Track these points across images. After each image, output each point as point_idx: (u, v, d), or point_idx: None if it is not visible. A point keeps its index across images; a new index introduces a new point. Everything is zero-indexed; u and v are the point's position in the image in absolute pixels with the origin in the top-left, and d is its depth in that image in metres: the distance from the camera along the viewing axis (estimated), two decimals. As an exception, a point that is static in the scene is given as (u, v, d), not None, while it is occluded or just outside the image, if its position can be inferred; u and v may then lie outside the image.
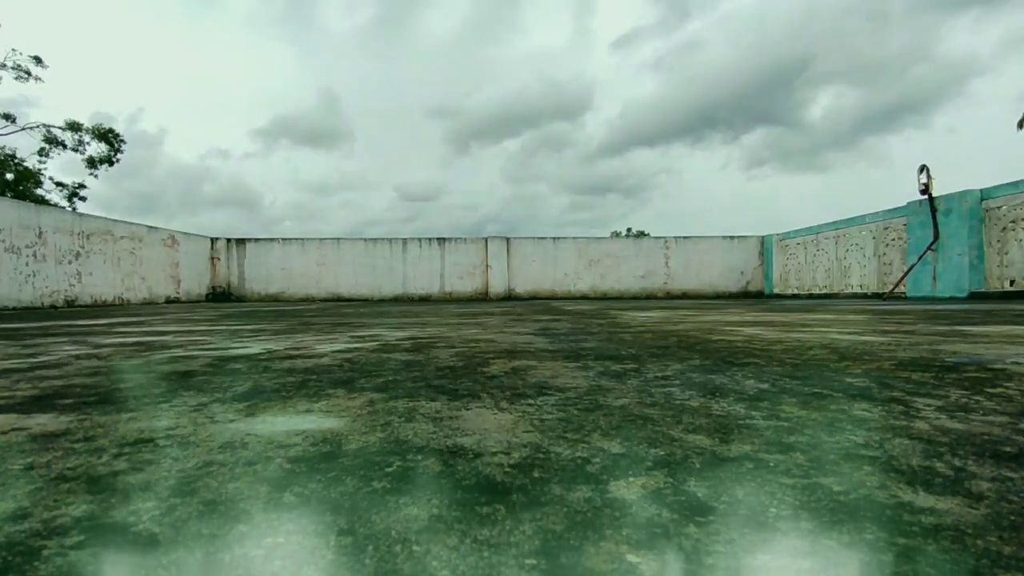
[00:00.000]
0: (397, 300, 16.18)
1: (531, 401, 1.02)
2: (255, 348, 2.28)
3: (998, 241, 9.75)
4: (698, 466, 0.62)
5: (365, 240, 16.94)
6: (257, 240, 16.81)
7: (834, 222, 13.51)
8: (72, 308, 11.65)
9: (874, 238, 12.28)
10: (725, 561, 0.42)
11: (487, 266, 17.28)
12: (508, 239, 17.39)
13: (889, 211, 11.87)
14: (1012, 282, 9.64)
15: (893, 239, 11.78)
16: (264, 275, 16.68)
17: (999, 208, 9.73)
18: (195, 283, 16.50)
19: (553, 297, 17.05)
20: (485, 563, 0.40)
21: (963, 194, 10.15)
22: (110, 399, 1.11)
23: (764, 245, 16.89)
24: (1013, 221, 9.58)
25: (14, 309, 10.67)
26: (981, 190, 9.97)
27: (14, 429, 0.84)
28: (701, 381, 1.21)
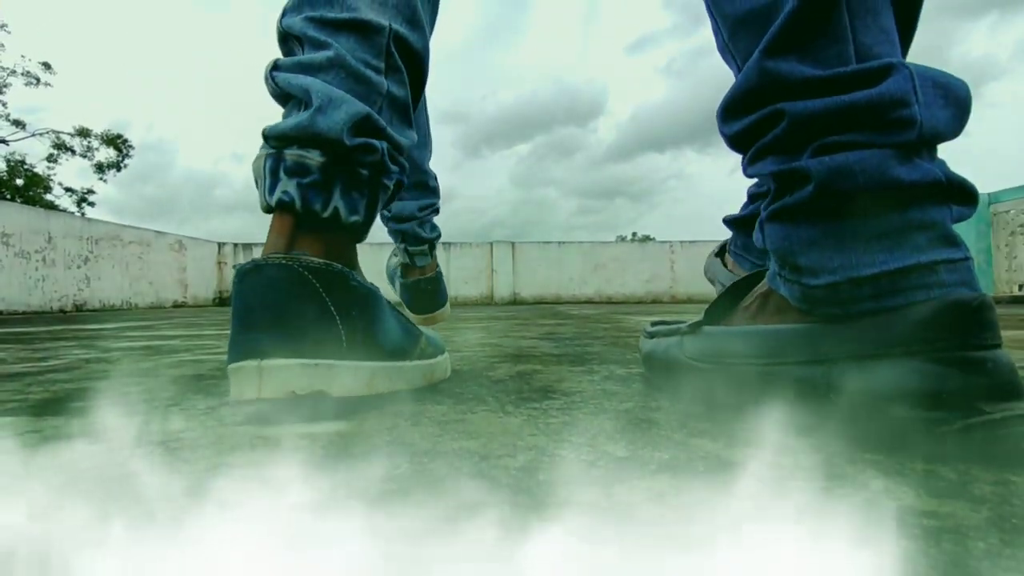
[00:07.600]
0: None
1: (536, 405, 1.03)
2: (262, 352, 2.30)
3: (1006, 245, 9.67)
4: (702, 469, 0.62)
5: (371, 244, 17.02)
6: (263, 245, 16.92)
7: (840, 226, 13.43)
8: (80, 312, 11.75)
9: (881, 242, 12.20)
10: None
11: (492, 271, 17.28)
12: (513, 244, 17.41)
13: (896, 215, 11.80)
14: (1021, 287, 9.55)
15: (900, 243, 11.70)
16: (270, 279, 16.75)
17: (1007, 212, 9.66)
18: (202, 288, 16.59)
19: (558, 301, 17.04)
20: (489, 563, 0.41)
21: (971, 198, 10.09)
22: (121, 402, 1.13)
23: (770, 249, 16.81)
24: (1021, 225, 9.50)
25: (24, 313, 10.77)
26: (989, 194, 9.89)
27: (28, 432, 0.85)
28: (706, 385, 1.21)
